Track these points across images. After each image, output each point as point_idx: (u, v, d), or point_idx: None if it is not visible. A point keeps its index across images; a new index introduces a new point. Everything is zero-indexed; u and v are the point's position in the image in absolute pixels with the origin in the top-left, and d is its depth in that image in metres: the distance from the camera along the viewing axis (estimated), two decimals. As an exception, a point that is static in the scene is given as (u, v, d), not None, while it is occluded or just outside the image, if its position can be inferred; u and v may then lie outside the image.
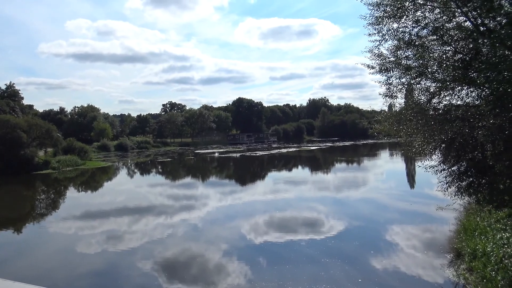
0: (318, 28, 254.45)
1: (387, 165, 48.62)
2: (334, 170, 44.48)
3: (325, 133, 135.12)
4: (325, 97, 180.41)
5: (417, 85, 12.52)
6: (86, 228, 19.02)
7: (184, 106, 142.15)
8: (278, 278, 11.35)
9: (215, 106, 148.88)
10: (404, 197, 25.16)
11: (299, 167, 51.70)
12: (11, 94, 65.79)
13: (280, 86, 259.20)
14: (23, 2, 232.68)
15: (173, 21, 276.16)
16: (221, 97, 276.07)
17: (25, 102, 73.98)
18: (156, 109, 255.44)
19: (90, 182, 40.11)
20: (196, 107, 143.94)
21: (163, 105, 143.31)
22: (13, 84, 68.91)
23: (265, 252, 14.32)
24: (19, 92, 69.36)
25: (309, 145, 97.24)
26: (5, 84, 68.24)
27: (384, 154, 66.52)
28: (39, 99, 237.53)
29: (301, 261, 12.92)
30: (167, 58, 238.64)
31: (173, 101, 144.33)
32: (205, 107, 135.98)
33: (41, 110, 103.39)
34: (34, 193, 33.03)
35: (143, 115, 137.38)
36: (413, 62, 11.99)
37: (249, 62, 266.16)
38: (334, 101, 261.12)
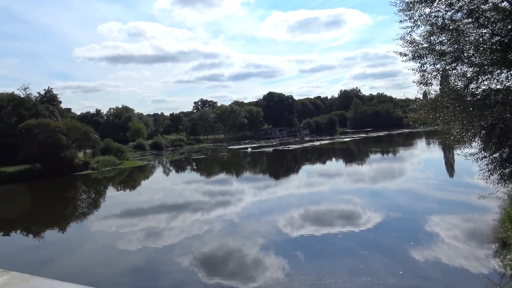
0: (346, 17, 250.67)
1: (424, 154, 47.39)
2: (369, 161, 43.77)
3: (358, 124, 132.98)
4: (356, 88, 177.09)
5: (453, 71, 12.13)
6: (126, 226, 19.57)
7: (216, 102, 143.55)
8: (316, 272, 11.32)
9: (245, 101, 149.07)
10: (443, 186, 24.47)
11: (333, 159, 51.19)
12: (49, 99, 67.94)
13: (310, 79, 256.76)
14: (56, 9, 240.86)
15: (200, 19, 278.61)
16: (251, 92, 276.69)
17: (63, 105, 76.13)
18: (188, 107, 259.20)
19: (128, 181, 41.23)
20: (227, 103, 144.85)
21: (195, 102, 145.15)
22: (51, 89, 71.23)
23: (302, 246, 14.30)
24: (57, 96, 71.48)
25: (342, 136, 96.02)
26: (44, 89, 70.60)
27: (421, 143, 64.83)
28: (76, 102, 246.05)
29: (339, 254, 12.84)
30: (196, 56, 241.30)
31: (204, 99, 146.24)
32: (236, 103, 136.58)
33: (78, 113, 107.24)
34: (76, 194, 34.28)
35: (176, 114, 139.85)
36: (448, 47, 11.62)
37: (277, 56, 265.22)
38: (366, 91, 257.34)
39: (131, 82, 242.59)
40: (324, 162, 46.77)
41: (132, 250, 15.43)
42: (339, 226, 16.32)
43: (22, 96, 61.70)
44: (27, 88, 63.79)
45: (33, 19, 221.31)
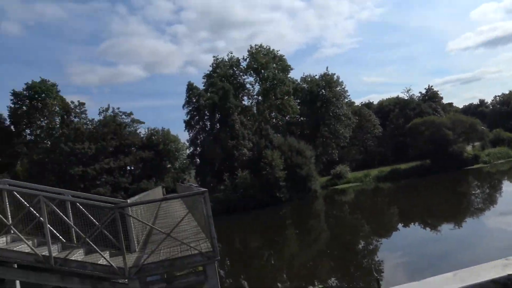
0: None
1: None
2: None
3: None
4: None
5: None
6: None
7: None
8: None
9: None
10: None
11: None
12: (431, 96, 70.01)
13: None
14: (424, 10, 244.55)
15: None
16: None
17: (444, 101, 76.76)
18: None
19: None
20: None
21: None
22: (431, 86, 73.38)
23: None
24: (438, 92, 73.00)
25: None
26: (425, 88, 73.40)
27: None
28: (456, 96, 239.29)
29: None
30: None
31: None
32: None
33: (460, 106, 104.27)
34: (468, 188, 33.35)
35: None
36: None
37: None
38: None
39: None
40: None
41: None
42: None
43: (405, 98, 66.79)
44: (410, 89, 68.64)
45: (405, 26, 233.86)
